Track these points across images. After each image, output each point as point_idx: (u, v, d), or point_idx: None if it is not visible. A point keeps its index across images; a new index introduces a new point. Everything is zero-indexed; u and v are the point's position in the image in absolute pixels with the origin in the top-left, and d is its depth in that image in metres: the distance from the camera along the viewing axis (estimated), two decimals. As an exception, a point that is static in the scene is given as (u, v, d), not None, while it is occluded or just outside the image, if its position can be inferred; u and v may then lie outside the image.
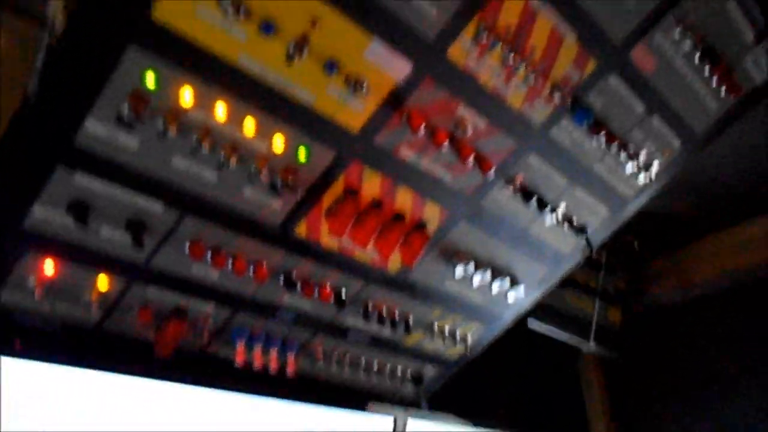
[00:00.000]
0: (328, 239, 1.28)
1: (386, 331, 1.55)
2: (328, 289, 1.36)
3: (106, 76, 0.91)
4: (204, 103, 0.98)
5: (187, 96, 0.96)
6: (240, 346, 1.36)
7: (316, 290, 1.35)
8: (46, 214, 1.02)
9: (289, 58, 0.97)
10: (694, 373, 2.36)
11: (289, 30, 0.95)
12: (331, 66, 1.01)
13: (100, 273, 1.14)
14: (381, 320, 1.49)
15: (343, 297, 1.39)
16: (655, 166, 1.46)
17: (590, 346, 2.10)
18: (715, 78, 1.34)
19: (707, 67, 1.31)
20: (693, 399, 2.34)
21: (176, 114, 0.97)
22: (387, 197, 1.26)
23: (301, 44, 0.97)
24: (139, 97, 0.93)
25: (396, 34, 1.02)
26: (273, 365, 1.40)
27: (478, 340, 1.75)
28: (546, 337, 2.05)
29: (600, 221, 1.59)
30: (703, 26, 1.25)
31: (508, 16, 1.07)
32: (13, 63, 1.28)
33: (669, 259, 2.36)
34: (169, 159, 1.03)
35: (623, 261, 2.26)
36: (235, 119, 1.02)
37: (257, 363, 1.38)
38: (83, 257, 1.10)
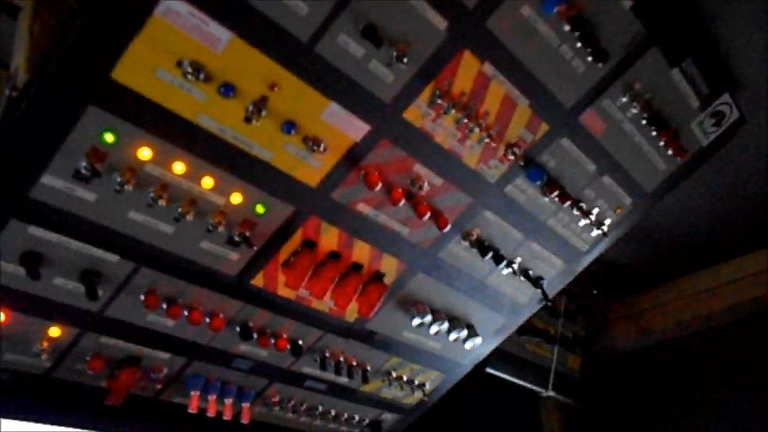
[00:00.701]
0: (285, 290, 1.29)
1: (343, 379, 1.55)
2: (285, 339, 1.37)
3: (65, 134, 0.92)
4: (162, 159, 1.00)
5: (145, 152, 0.98)
6: (195, 395, 1.36)
7: (273, 340, 1.35)
8: (-2, 265, 1.02)
9: (248, 119, 1.00)
10: (653, 418, 2.40)
11: (248, 92, 0.98)
12: (289, 126, 1.04)
13: (52, 322, 1.14)
14: (338, 369, 1.49)
15: (300, 346, 1.40)
16: (608, 222, 1.51)
17: (549, 392, 2.13)
18: (662, 141, 1.40)
19: (654, 131, 1.38)
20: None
21: (134, 169, 0.99)
22: (344, 250, 1.28)
23: (259, 106, 0.99)
24: (97, 153, 0.95)
25: (353, 97, 1.06)
26: (228, 413, 1.39)
27: (437, 387, 1.76)
28: (507, 383, 2.07)
29: (556, 272, 1.63)
30: (650, 93, 1.31)
31: (463, 83, 1.12)
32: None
33: (627, 306, 2.41)
34: (126, 212, 1.04)
35: (582, 307, 2.30)
36: (194, 175, 1.04)
37: (211, 411, 1.38)
38: (35, 307, 1.10)
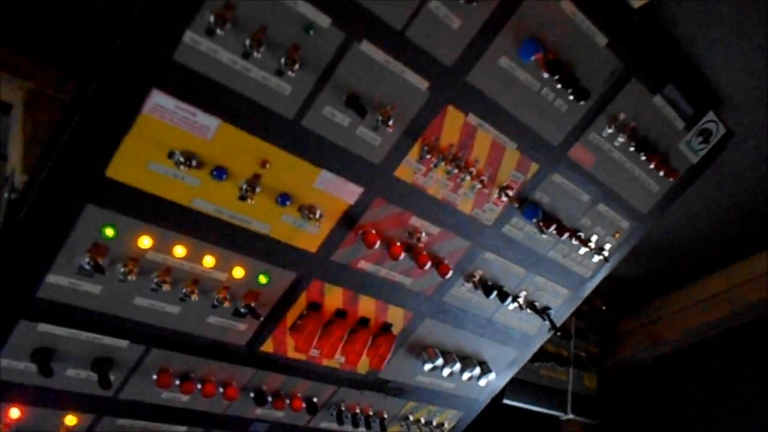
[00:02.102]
0: (295, 352, 1.30)
1: (362, 430, 1.55)
2: (300, 398, 1.38)
3: (66, 234, 0.94)
4: (163, 245, 1.02)
5: (145, 241, 1.00)
6: (214, 463, 1.36)
7: (288, 400, 1.36)
8: (10, 364, 1.03)
9: (242, 198, 1.01)
10: (672, 427, 2.38)
11: (240, 172, 1.00)
12: (284, 198, 1.06)
13: (68, 412, 1.14)
14: (356, 421, 1.50)
15: (315, 403, 1.40)
16: (608, 247, 1.52)
17: (569, 415, 2.12)
18: (652, 164, 1.42)
19: (644, 156, 1.39)
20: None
21: (136, 258, 1.01)
22: (350, 307, 1.29)
23: (253, 183, 1.01)
24: (99, 248, 0.97)
25: (344, 163, 1.08)
26: (249, 478, 1.40)
27: (456, 425, 1.76)
28: (525, 411, 2.06)
29: (562, 301, 1.63)
30: (635, 121, 1.32)
31: (450, 136, 1.14)
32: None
33: (637, 318, 2.41)
34: (132, 299, 1.06)
35: (592, 325, 2.30)
36: (195, 256, 1.06)
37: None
38: (50, 400, 1.11)
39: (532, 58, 1.09)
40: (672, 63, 1.34)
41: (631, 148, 1.36)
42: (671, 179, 1.48)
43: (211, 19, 0.84)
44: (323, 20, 0.91)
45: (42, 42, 1.18)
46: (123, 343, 1.10)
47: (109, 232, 0.96)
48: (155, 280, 1.04)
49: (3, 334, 0.99)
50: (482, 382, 1.64)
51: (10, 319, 0.98)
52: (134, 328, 1.09)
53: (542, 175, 1.31)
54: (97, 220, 0.94)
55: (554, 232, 1.39)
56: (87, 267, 0.97)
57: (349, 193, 1.12)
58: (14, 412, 1.08)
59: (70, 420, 1.15)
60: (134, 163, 0.92)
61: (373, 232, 1.18)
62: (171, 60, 0.85)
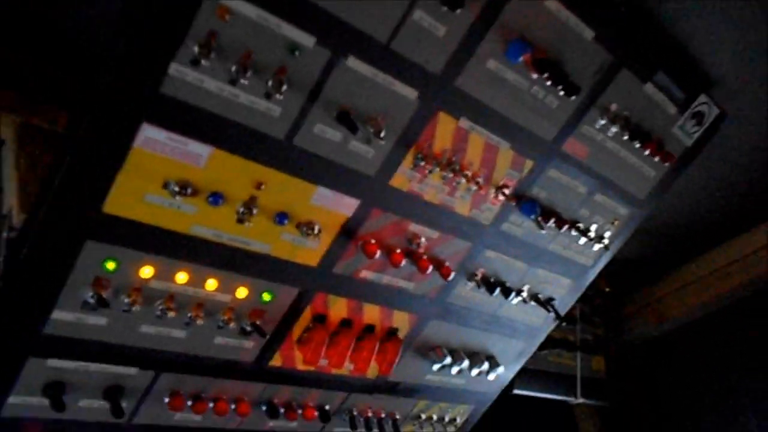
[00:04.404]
0: (304, 364, 1.31)
1: (375, 433, 1.57)
2: (312, 407, 1.39)
3: (68, 271, 0.94)
4: (165, 273, 1.02)
5: (147, 271, 1.00)
6: (232, 478, 1.37)
7: (300, 411, 1.37)
8: (24, 400, 1.04)
9: (240, 220, 1.02)
10: (684, 404, 2.41)
11: (236, 196, 1.00)
12: (281, 217, 1.06)
13: (83, 441, 1.16)
14: (368, 424, 1.51)
15: (328, 411, 1.41)
16: (608, 235, 1.53)
17: (579, 399, 2.14)
18: (647, 151, 1.41)
19: (638, 144, 1.39)
20: (687, 428, 2.39)
21: (139, 288, 1.01)
22: (355, 315, 1.30)
23: (249, 206, 1.01)
24: (101, 282, 0.97)
25: (338, 178, 1.08)
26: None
27: (468, 419, 1.78)
28: (537, 399, 2.08)
29: (565, 291, 1.64)
30: (627, 111, 1.32)
31: (442, 141, 1.14)
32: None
33: (641, 298, 2.42)
34: (138, 328, 1.06)
35: (597, 308, 2.31)
36: (197, 281, 1.06)
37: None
38: None
39: (520, 58, 1.09)
40: (661, 49, 1.33)
41: (625, 137, 1.36)
42: (667, 163, 1.48)
43: (196, 49, 0.83)
44: (308, 40, 0.90)
45: (28, 76, 1.18)
46: (132, 371, 1.11)
47: (111, 265, 0.96)
48: (160, 307, 1.04)
49: (13, 372, 1.00)
50: (491, 377, 1.65)
51: (20, 357, 0.99)
52: (142, 355, 1.10)
53: (538, 171, 1.31)
54: (98, 255, 0.95)
55: (553, 225, 1.39)
56: (91, 301, 0.98)
57: (346, 206, 1.12)
58: (30, 446, 1.10)
59: (87, 449, 1.16)
60: (130, 197, 0.92)
61: (373, 242, 1.18)
62: (158, 93, 0.85)
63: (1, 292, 0.94)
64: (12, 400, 1.03)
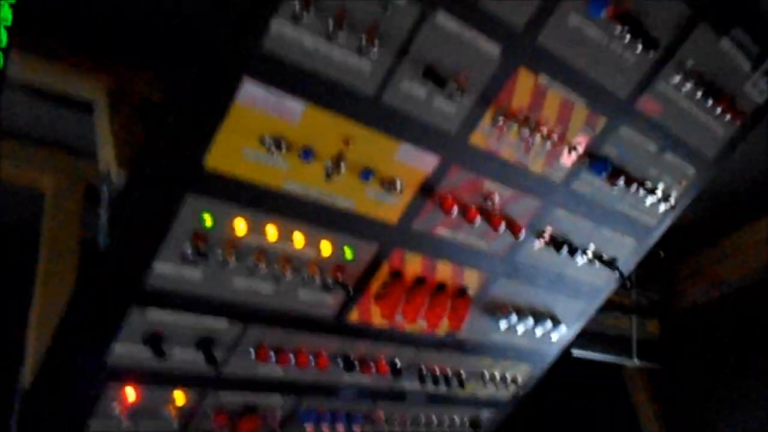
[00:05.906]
0: (379, 320, 1.35)
1: (442, 388, 1.61)
2: (384, 362, 1.43)
3: (169, 225, 0.99)
4: (256, 229, 1.06)
5: (241, 226, 1.04)
6: (309, 428, 1.43)
7: (373, 366, 1.41)
8: (125, 349, 1.10)
9: (328, 176, 1.05)
10: (737, 369, 2.40)
11: (325, 152, 1.03)
12: (366, 174, 1.09)
13: (176, 389, 1.22)
14: (435, 380, 1.55)
15: (399, 367, 1.45)
16: (674, 195, 1.52)
17: (634, 362, 2.15)
18: (719, 109, 1.40)
19: (711, 101, 1.37)
20: (740, 394, 2.38)
21: (233, 243, 1.05)
22: (429, 273, 1.33)
23: (337, 161, 1.04)
24: (199, 236, 1.02)
25: (421, 135, 1.10)
26: (341, 440, 1.47)
27: (528, 378, 1.81)
28: (587, 360, 2.10)
29: (629, 251, 1.65)
30: (703, 67, 1.31)
31: (521, 98, 1.15)
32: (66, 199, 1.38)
33: (696, 262, 2.41)
34: (230, 282, 1.11)
35: (653, 272, 2.30)
36: (285, 236, 1.10)
37: (326, 440, 1.46)
38: (161, 380, 1.18)
39: (602, 13, 1.08)
40: (738, 2, 1.31)
41: (699, 94, 1.35)
42: (737, 122, 1.46)
43: (297, 4, 0.85)
44: (400, -5, 0.92)
45: (115, 42, 1.22)
46: (223, 323, 1.16)
47: (209, 219, 1.00)
48: (251, 261, 1.09)
49: (119, 320, 1.06)
50: (554, 337, 1.68)
51: (124, 305, 1.05)
52: (233, 308, 1.15)
53: (611, 129, 1.31)
54: (198, 209, 0.99)
55: (622, 184, 1.40)
56: (189, 254, 1.02)
57: (427, 163, 1.14)
58: (131, 394, 1.16)
59: (179, 396, 1.22)
60: (230, 152, 0.96)
61: (450, 198, 1.20)
62: (260, 49, 0.88)
63: (107, 245, 0.99)
64: (118, 348, 1.09)
